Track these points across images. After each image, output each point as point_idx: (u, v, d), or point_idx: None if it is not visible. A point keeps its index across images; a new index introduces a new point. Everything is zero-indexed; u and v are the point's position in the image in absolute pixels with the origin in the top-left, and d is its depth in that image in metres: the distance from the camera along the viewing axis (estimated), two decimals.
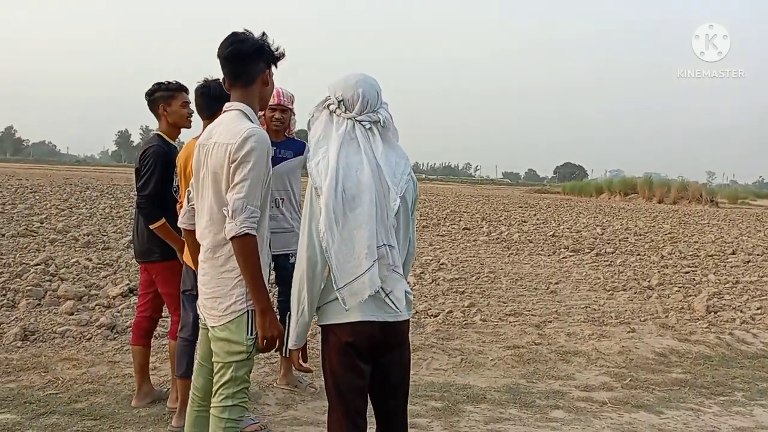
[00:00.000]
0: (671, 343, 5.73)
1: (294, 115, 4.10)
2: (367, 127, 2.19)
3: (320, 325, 2.24)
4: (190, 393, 2.66)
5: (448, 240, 13.40)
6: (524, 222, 18.36)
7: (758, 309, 7.32)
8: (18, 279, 7.09)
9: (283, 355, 3.80)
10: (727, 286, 8.88)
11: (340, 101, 2.20)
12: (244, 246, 2.25)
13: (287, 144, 4.08)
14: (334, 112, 2.21)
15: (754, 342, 5.95)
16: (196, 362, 2.66)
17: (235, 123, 2.35)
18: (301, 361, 2.30)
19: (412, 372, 4.53)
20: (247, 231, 2.23)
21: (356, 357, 2.18)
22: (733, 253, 12.60)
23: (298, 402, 4.01)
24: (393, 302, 2.15)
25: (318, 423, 3.65)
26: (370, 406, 2.32)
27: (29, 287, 6.60)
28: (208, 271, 2.43)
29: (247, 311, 2.34)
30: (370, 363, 2.22)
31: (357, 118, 2.19)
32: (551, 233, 15.13)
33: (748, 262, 11.51)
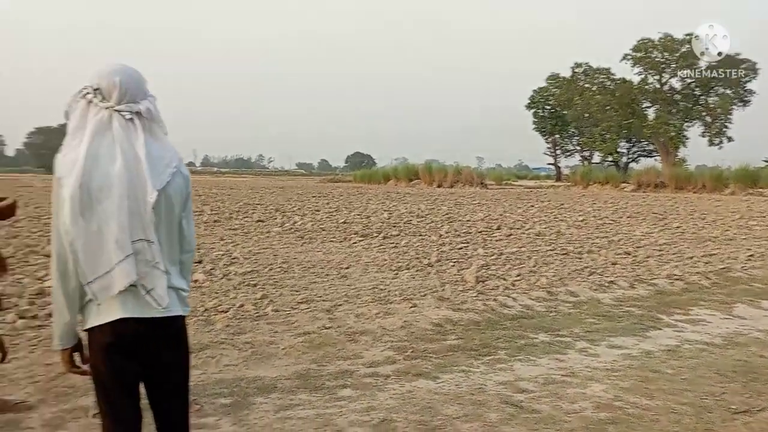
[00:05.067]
0: (446, 313, 6.29)
1: None
2: (128, 117, 2.09)
3: (84, 330, 2.12)
4: None
5: (241, 233, 13.15)
6: (317, 211, 18.71)
7: (518, 276, 8.36)
8: None
9: None
10: (493, 257, 9.99)
11: (96, 90, 2.09)
12: None
13: None
14: (91, 102, 2.09)
15: (514, 305, 6.78)
16: None
17: None
18: (79, 363, 2.19)
19: (200, 371, 4.42)
20: None
21: (121, 357, 2.10)
22: (498, 228, 14.21)
23: (68, 420, 3.64)
24: (155, 299, 2.08)
25: None
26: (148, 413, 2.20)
27: None
28: None
29: None
30: (138, 363, 2.15)
31: (115, 108, 2.08)
32: (343, 220, 15.63)
33: (510, 235, 13.07)
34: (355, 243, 11.80)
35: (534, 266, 9.18)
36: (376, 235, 12.90)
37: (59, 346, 2.16)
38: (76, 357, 2.21)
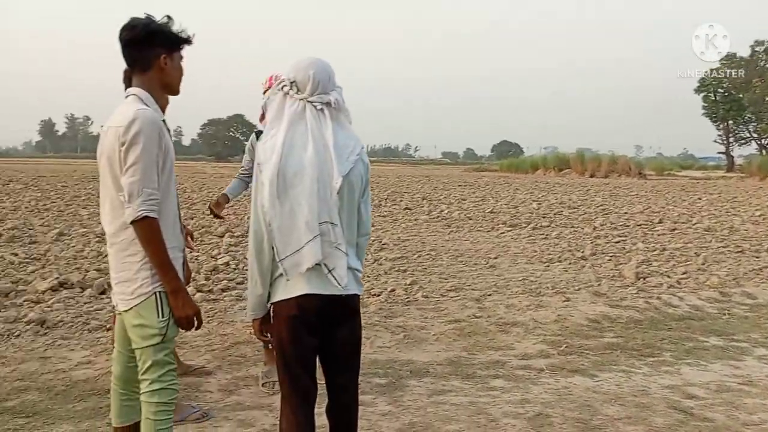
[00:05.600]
0: (603, 310, 5.97)
1: None
2: (318, 108, 2.24)
3: (271, 304, 2.30)
4: (112, 383, 2.61)
5: (390, 220, 13.48)
6: (463, 200, 18.65)
7: (684, 274, 7.72)
8: None
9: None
10: (654, 253, 9.31)
11: (292, 82, 2.26)
12: (145, 229, 2.27)
13: None
14: (287, 94, 2.25)
15: (680, 305, 6.27)
16: (114, 351, 2.61)
17: (127, 107, 2.35)
18: (263, 332, 2.37)
19: None
20: (145, 214, 2.25)
21: (303, 330, 2.25)
22: (660, 222, 13.21)
23: (241, 387, 3.97)
24: (336, 278, 2.20)
25: (262, 406, 3.63)
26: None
27: None
28: (114, 257, 2.41)
29: (155, 293, 2.34)
30: (318, 336, 2.29)
31: (308, 99, 2.24)
32: (489, 210, 15.44)
33: (674, 230, 12.09)
34: (502, 233, 11.60)
35: (703, 264, 8.42)
36: (524, 225, 12.59)
37: (252, 316, 2.35)
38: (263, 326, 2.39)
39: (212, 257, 8.23)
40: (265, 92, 4.00)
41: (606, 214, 14.85)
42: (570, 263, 8.50)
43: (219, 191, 19.71)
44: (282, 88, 2.27)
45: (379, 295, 6.41)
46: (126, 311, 2.38)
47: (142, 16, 2.43)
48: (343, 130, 2.28)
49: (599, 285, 7.04)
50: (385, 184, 26.80)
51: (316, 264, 2.17)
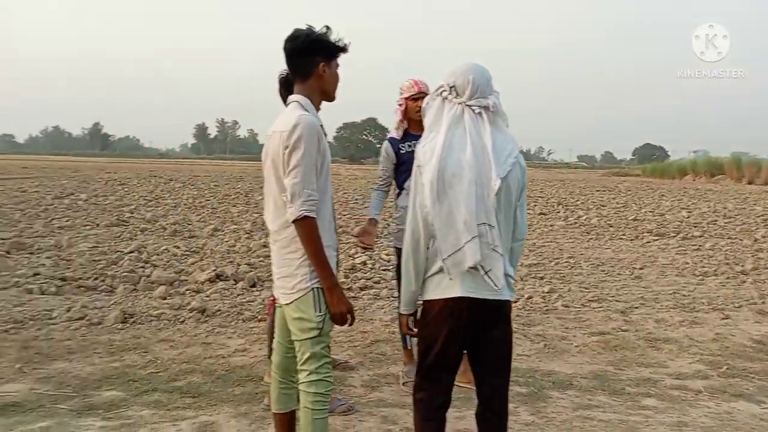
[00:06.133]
0: None
1: None
2: (477, 111, 2.27)
3: (422, 300, 2.35)
4: (272, 371, 2.78)
5: None
6: (603, 206, 17.77)
7: None
8: (114, 266, 7.54)
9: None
10: None
11: (452, 87, 2.31)
12: (305, 228, 2.40)
13: None
14: (446, 98, 2.31)
15: None
16: (274, 341, 2.77)
17: (290, 113, 2.49)
18: (413, 327, 2.45)
19: None
20: (306, 214, 2.38)
21: (450, 331, 2.27)
22: None
23: (383, 384, 4.07)
24: (492, 280, 2.20)
25: (404, 405, 3.69)
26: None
27: (125, 273, 7.02)
28: (276, 253, 2.58)
29: (313, 289, 2.46)
30: (467, 339, 2.31)
31: (467, 103, 2.28)
32: (632, 217, 14.59)
33: None
34: (648, 242, 10.90)
35: None
36: (673, 234, 11.74)
37: (405, 311, 2.44)
38: (411, 322, 2.47)
39: (350, 256, 8.52)
40: (402, 96, 4.03)
41: None
42: (728, 278, 7.80)
43: (353, 192, 20.12)
44: (441, 93, 2.32)
45: (516, 302, 6.28)
46: (287, 304, 2.54)
47: (304, 27, 2.56)
48: (500, 134, 2.28)
49: (764, 303, 6.39)
50: None
51: (472, 267, 2.17)
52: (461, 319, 2.25)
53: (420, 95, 3.92)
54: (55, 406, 3.55)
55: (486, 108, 2.27)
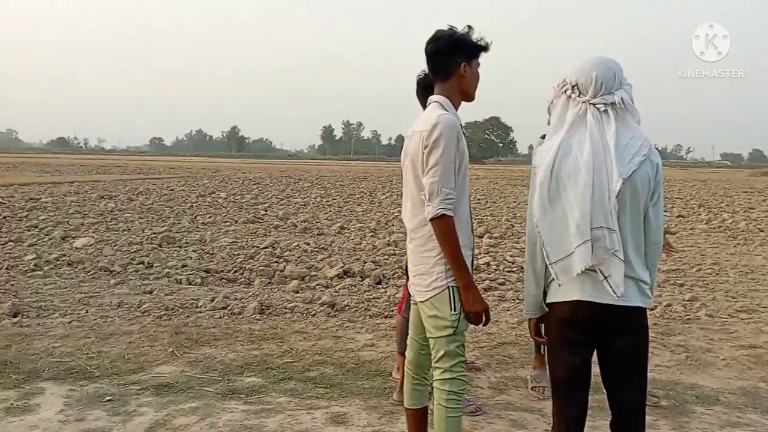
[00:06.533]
0: None
1: None
2: (602, 109, 2.18)
3: (546, 304, 2.30)
4: (405, 367, 2.82)
5: None
6: (751, 209, 16.27)
7: None
8: (251, 260, 8.06)
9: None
10: None
11: (574, 86, 2.23)
12: (442, 226, 2.42)
13: None
14: (570, 97, 2.24)
15: None
16: (408, 337, 2.81)
17: (430, 113, 2.51)
18: (542, 332, 2.38)
19: None
20: (443, 212, 2.40)
21: (574, 334, 2.20)
22: None
23: (510, 387, 4.01)
24: (611, 286, 2.09)
25: (533, 410, 3.62)
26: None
27: (261, 267, 7.47)
28: (413, 251, 2.62)
29: (448, 287, 2.47)
30: (591, 345, 2.22)
31: (591, 101, 2.19)
32: None
33: None
34: None
35: None
36: None
37: (527, 315, 2.40)
38: (540, 327, 2.40)
39: (474, 257, 8.45)
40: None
41: None
42: None
43: (475, 192, 19.94)
44: (565, 91, 2.24)
45: (653, 309, 5.92)
46: (422, 302, 2.57)
47: (446, 28, 2.58)
48: (628, 130, 2.16)
49: None
50: None
51: (591, 270, 2.09)
52: (581, 323, 2.16)
53: None
54: (203, 388, 3.86)
55: (612, 104, 2.16)
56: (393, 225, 11.91)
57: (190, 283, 6.82)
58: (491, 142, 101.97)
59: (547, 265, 2.19)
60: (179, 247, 9.09)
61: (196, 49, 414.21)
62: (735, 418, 3.57)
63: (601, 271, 2.11)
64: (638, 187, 2.13)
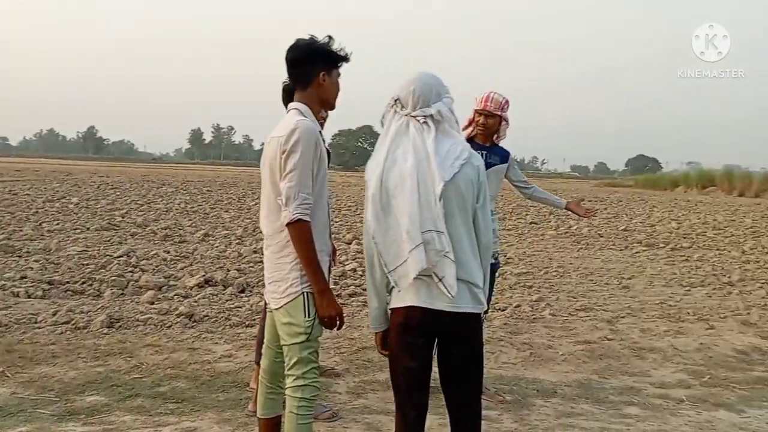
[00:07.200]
0: (753, 341, 5.47)
1: (505, 121, 4.05)
2: (422, 121, 2.29)
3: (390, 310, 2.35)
4: (259, 376, 2.79)
5: (515, 234, 13.25)
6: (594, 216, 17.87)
7: None
8: (102, 270, 7.52)
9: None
10: None
11: (396, 100, 2.35)
12: (298, 231, 2.43)
13: (496, 150, 4.08)
14: (396, 111, 2.34)
15: None
16: (264, 345, 2.78)
17: (288, 119, 2.53)
18: (384, 347, 2.40)
19: None
20: (299, 217, 2.41)
21: (410, 338, 2.27)
22: None
23: (368, 391, 4.07)
24: (446, 288, 2.17)
25: (389, 412, 3.69)
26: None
27: (113, 278, 6.99)
28: (269, 258, 2.60)
29: (303, 293, 2.48)
30: (429, 348, 2.30)
31: (411, 114, 2.30)
32: (623, 227, 14.67)
33: None
34: (637, 252, 10.97)
35: None
36: (662, 245, 11.82)
37: (373, 329, 2.42)
38: (385, 340, 2.39)
39: (340, 263, 8.52)
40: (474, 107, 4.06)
41: (757, 237, 13.56)
42: (714, 288, 7.86)
43: (346, 199, 19.99)
44: (391, 106, 2.35)
45: (504, 310, 6.31)
46: (277, 309, 2.55)
47: (307, 37, 2.59)
48: (448, 138, 2.28)
49: (748, 314, 6.43)
50: (509, 197, 26.29)
51: (428, 276, 2.17)
52: (416, 328, 2.24)
53: (482, 111, 3.98)
54: (36, 410, 3.54)
55: (431, 117, 2.28)
56: (260, 232, 11.65)
57: (29, 296, 6.22)
58: (364, 150, 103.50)
59: (387, 275, 2.24)
60: (19, 256, 8.28)
61: (43, 39, 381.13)
62: (569, 409, 3.89)
63: (435, 274, 2.18)
64: (462, 189, 2.24)
